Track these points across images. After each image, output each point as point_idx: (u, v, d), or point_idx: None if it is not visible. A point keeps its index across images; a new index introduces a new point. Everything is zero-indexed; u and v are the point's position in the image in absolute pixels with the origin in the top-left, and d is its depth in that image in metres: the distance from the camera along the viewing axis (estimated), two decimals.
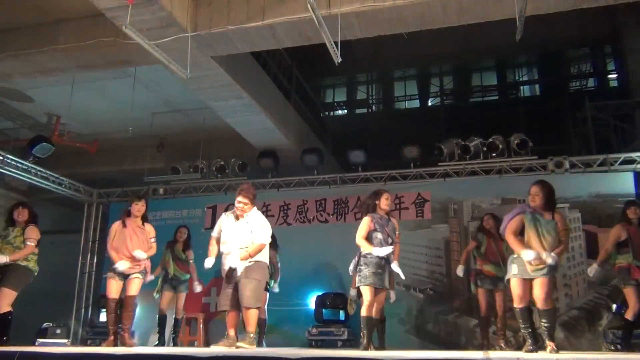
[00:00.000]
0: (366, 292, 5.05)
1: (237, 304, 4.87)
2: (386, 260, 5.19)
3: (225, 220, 5.13)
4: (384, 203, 5.34)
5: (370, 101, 15.54)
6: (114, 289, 5.53)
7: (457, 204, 8.31)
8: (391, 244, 5.23)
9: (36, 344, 7.83)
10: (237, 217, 5.09)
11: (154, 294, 7.30)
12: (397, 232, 5.44)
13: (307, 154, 9.31)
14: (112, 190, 10.25)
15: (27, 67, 7.82)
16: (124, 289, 5.61)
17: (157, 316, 7.29)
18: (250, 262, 4.93)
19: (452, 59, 13.83)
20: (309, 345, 7.37)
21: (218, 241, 5.10)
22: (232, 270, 4.88)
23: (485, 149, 8.51)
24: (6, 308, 5.36)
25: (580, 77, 14.01)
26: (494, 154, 8.47)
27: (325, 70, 12.49)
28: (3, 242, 5.54)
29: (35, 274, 5.64)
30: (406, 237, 8.43)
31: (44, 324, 8.46)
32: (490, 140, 8.49)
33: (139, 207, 5.72)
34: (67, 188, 9.61)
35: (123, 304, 5.61)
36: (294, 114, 10.45)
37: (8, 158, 8.42)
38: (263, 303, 6.28)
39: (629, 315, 5.40)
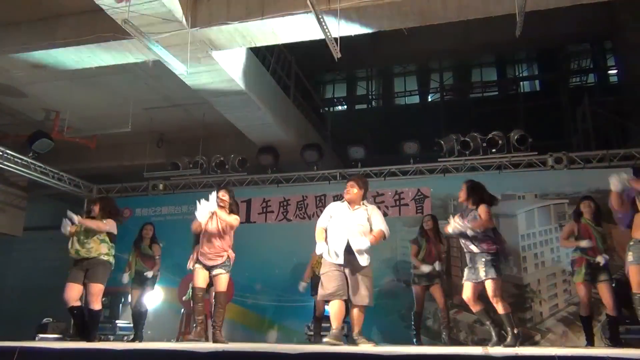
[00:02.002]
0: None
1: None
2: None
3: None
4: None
5: (370, 97, 15.52)
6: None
7: (457, 200, 8.31)
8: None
9: (36, 339, 7.85)
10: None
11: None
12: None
13: (306, 150, 9.31)
14: (112, 185, 10.26)
15: (26, 63, 7.80)
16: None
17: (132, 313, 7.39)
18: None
19: (452, 54, 13.82)
20: (308, 341, 7.39)
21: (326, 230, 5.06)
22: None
23: (484, 144, 8.51)
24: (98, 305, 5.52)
25: (580, 73, 13.99)
26: (493, 150, 8.48)
27: (324, 65, 12.48)
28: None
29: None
30: (406, 233, 8.46)
31: (44, 319, 8.49)
32: (490, 136, 8.49)
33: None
34: (67, 184, 9.61)
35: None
36: (294, 109, 10.44)
37: (8, 154, 8.42)
38: None
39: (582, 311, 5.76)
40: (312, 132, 11.21)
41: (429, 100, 15.01)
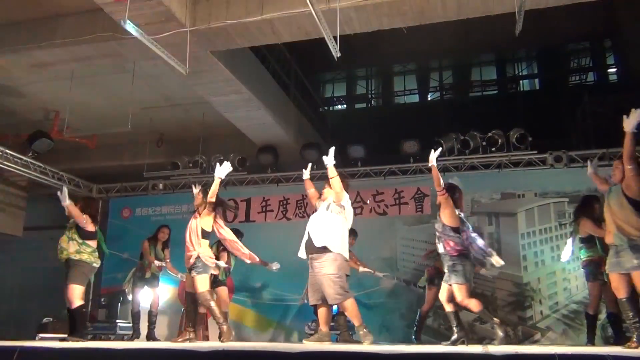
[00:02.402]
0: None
1: None
2: None
3: None
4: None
5: (370, 96, 15.52)
6: None
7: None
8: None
9: (37, 339, 7.85)
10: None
11: (124, 287, 7.58)
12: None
13: (306, 149, 9.30)
14: (112, 185, 10.25)
15: (26, 62, 7.80)
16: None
17: (132, 312, 7.50)
18: None
19: (452, 53, 13.80)
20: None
21: None
22: None
23: (484, 143, 8.51)
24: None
25: (579, 71, 13.99)
26: (493, 149, 8.47)
27: (324, 65, 12.47)
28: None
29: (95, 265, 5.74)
30: (406, 232, 8.46)
31: (45, 319, 8.49)
32: (490, 134, 8.49)
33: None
34: (67, 183, 9.60)
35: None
36: (294, 109, 10.44)
37: (7, 153, 8.41)
38: None
39: (591, 309, 5.71)
40: (311, 131, 11.20)
41: (429, 99, 15.00)
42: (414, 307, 8.07)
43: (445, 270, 4.91)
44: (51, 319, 8.53)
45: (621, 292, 4.35)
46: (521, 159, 8.30)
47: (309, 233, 5.04)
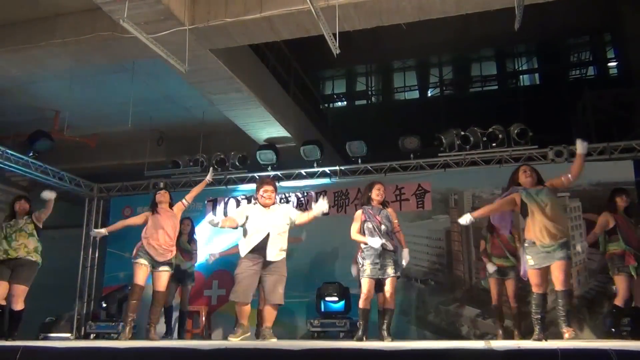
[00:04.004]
0: (364, 285, 5.26)
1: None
2: (384, 249, 5.29)
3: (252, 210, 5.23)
4: (375, 194, 5.50)
5: (370, 92, 15.51)
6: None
7: (458, 195, 8.32)
8: (386, 232, 5.36)
9: (40, 338, 7.88)
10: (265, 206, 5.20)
11: None
12: (395, 220, 5.57)
13: (307, 146, 9.30)
14: (113, 184, 10.25)
15: (25, 62, 7.80)
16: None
17: (163, 308, 7.34)
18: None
19: (451, 49, 13.80)
20: (311, 336, 7.40)
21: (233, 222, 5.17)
22: None
23: (485, 139, 8.49)
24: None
25: (580, 65, 13.98)
26: (493, 144, 8.46)
27: (324, 62, 12.46)
28: (16, 231, 5.70)
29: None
30: (407, 228, 8.43)
31: (47, 319, 8.51)
32: (490, 130, 8.47)
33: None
34: (68, 183, 9.60)
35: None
36: (294, 106, 10.43)
37: (8, 153, 8.42)
38: None
39: (618, 301, 5.56)
40: (312, 128, 11.20)
41: (429, 95, 15.01)
42: (415, 302, 8.09)
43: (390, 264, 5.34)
44: (54, 319, 8.55)
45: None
46: (522, 154, 8.29)
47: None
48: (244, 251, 5.05)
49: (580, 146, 4.74)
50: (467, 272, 7.95)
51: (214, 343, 4.17)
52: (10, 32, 7.50)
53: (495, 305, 6.61)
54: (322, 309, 7.62)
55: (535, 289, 4.79)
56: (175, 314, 7.62)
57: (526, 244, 4.78)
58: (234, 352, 2.84)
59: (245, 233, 5.11)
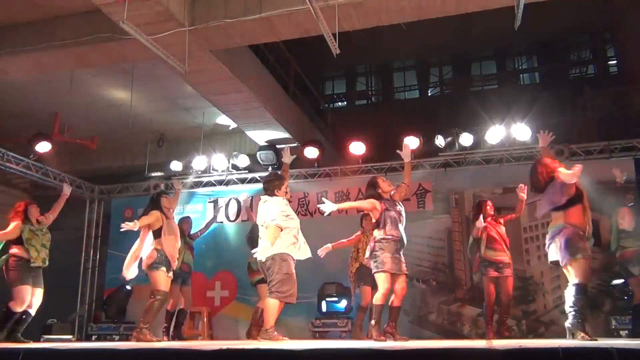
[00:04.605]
0: (385, 280, 4.79)
1: None
2: (402, 244, 4.99)
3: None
4: (384, 186, 5.17)
5: (370, 92, 15.50)
6: None
7: (459, 194, 8.32)
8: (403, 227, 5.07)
9: (41, 340, 7.87)
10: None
11: None
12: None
13: (307, 147, 9.30)
14: (114, 186, 10.26)
15: (25, 64, 7.80)
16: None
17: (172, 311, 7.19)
18: None
19: (451, 48, 13.78)
20: (313, 337, 7.40)
21: None
22: None
23: (485, 138, 8.49)
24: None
25: (580, 64, 13.95)
26: (494, 143, 8.46)
27: (324, 62, 12.44)
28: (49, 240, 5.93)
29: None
30: (408, 228, 8.40)
31: (49, 321, 8.50)
32: (491, 129, 8.46)
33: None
34: (68, 185, 9.60)
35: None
36: (294, 106, 10.43)
37: (9, 155, 8.42)
38: None
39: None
40: (312, 128, 11.19)
41: (429, 94, 14.98)
42: (417, 302, 8.08)
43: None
44: (55, 321, 8.54)
45: None
46: (522, 153, 8.29)
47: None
48: (294, 250, 4.79)
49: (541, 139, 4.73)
50: (468, 271, 7.95)
51: (219, 344, 4.17)
52: (11, 34, 7.51)
53: (488, 304, 6.18)
54: (324, 310, 7.62)
55: (585, 280, 4.54)
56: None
57: (582, 232, 4.47)
58: (237, 353, 2.83)
59: (289, 230, 4.81)
